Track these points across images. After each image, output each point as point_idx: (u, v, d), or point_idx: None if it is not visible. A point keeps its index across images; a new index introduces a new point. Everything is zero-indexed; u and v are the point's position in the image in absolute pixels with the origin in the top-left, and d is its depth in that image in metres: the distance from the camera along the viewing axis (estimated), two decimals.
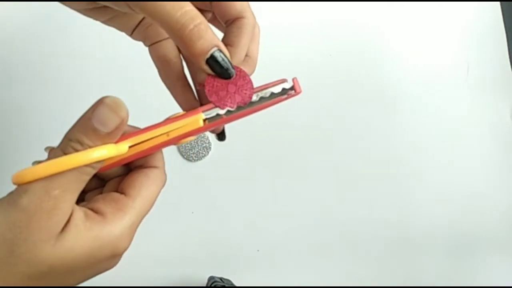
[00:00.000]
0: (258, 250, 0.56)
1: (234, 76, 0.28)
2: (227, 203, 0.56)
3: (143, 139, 0.27)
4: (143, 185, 0.28)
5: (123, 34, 0.33)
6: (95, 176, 0.27)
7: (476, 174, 0.59)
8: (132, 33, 0.33)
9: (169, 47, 0.33)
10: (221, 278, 0.52)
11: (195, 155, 0.56)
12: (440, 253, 0.58)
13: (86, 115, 0.24)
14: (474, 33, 0.61)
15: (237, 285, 0.53)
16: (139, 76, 0.50)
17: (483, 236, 0.58)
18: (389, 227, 0.57)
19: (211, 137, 0.57)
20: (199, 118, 0.28)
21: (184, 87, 0.33)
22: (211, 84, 0.28)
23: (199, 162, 0.56)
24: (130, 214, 0.27)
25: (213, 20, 0.32)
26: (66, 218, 0.24)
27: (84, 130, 0.24)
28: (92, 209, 0.26)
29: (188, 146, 0.56)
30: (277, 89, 0.29)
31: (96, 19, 0.31)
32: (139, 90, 0.52)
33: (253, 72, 0.30)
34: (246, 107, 0.28)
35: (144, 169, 0.29)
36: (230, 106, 0.28)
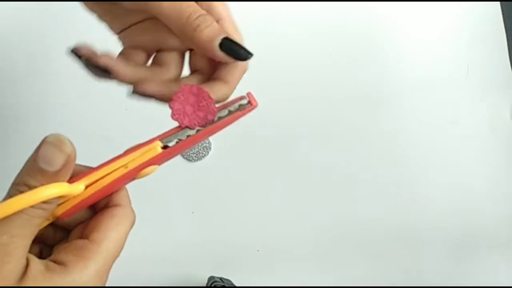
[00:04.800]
0: (258, 250, 0.56)
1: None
2: (227, 203, 0.56)
3: (99, 176, 0.26)
4: (108, 227, 0.26)
5: None
6: (61, 227, 0.26)
7: (476, 174, 0.59)
8: (119, 33, 0.33)
9: (141, 57, 0.32)
10: (221, 278, 0.52)
11: (195, 155, 0.56)
12: (440, 253, 0.58)
13: (31, 157, 0.23)
14: (474, 33, 0.61)
15: (237, 285, 0.53)
16: None
17: (483, 236, 0.58)
18: (389, 227, 0.57)
19: (211, 137, 0.57)
20: (156, 145, 0.27)
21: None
22: (180, 100, 0.28)
23: (199, 162, 0.56)
24: (95, 260, 0.25)
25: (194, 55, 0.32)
26: (21, 267, 0.23)
27: (30, 172, 0.23)
28: (53, 261, 0.25)
29: None
30: (234, 107, 0.29)
31: (92, 12, 0.31)
32: None
33: (227, 97, 0.30)
34: (205, 127, 0.28)
35: (108, 209, 0.27)
36: (195, 123, 0.28)
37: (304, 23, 0.60)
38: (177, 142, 0.28)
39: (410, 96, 0.60)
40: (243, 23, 0.59)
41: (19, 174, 0.23)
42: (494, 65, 0.61)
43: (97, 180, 0.26)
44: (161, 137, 0.27)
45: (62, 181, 0.24)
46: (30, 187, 0.23)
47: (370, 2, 0.61)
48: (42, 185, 0.23)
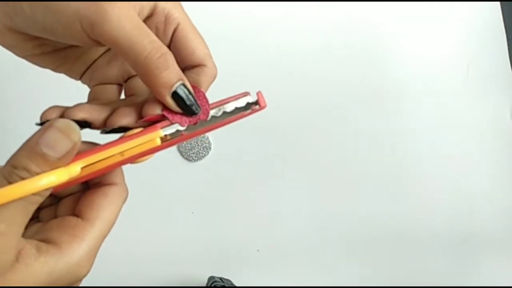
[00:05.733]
0: (258, 250, 0.56)
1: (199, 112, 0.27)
2: (227, 203, 0.56)
3: (96, 160, 0.25)
4: (101, 206, 0.26)
5: None
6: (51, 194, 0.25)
7: (476, 174, 0.59)
8: (81, 77, 0.31)
9: (113, 91, 0.31)
10: (221, 278, 0.52)
11: (195, 155, 0.56)
12: (440, 253, 0.58)
13: (33, 139, 0.22)
14: (474, 33, 0.61)
15: (237, 285, 0.53)
16: None
17: (483, 236, 0.58)
18: (389, 227, 0.57)
19: (211, 137, 0.57)
20: (156, 136, 0.26)
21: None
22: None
23: (199, 162, 0.56)
24: (88, 239, 0.25)
25: None
26: (13, 254, 0.22)
27: (31, 156, 0.22)
28: (45, 240, 0.24)
29: (188, 146, 0.56)
30: (241, 103, 0.27)
31: (44, 67, 0.29)
32: None
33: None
34: (208, 122, 0.27)
35: (102, 188, 0.27)
36: (186, 121, 0.27)
37: (305, 23, 0.60)
38: (177, 133, 0.27)
39: (410, 96, 0.60)
40: (246, 23, 0.60)
41: (16, 155, 0.22)
42: (494, 65, 0.61)
43: (93, 163, 0.25)
44: (161, 126, 0.26)
45: (62, 166, 0.23)
46: (30, 173, 0.22)
47: (370, 2, 0.61)
48: (43, 171, 0.22)
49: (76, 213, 0.26)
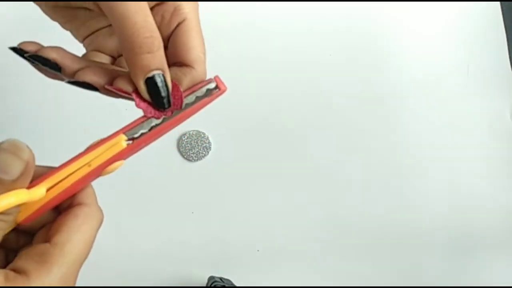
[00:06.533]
0: (258, 250, 0.56)
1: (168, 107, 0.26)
2: (227, 203, 0.56)
3: (61, 177, 0.24)
4: (71, 228, 0.24)
5: None
6: (24, 231, 0.25)
7: (476, 174, 0.59)
8: (83, 40, 0.32)
9: (105, 61, 0.31)
10: (221, 278, 0.52)
11: (195, 155, 0.56)
12: (439, 253, 0.58)
13: None
14: (474, 33, 0.61)
15: (237, 285, 0.53)
16: None
17: (484, 236, 0.58)
18: (389, 227, 0.57)
19: (211, 137, 0.57)
20: (120, 139, 0.25)
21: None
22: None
23: (199, 162, 0.57)
24: (59, 264, 0.23)
25: None
26: None
27: None
28: (14, 269, 0.23)
29: (188, 146, 0.56)
30: (200, 92, 0.27)
31: (54, 19, 0.30)
32: None
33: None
34: (171, 116, 0.27)
35: (71, 209, 0.26)
36: (153, 114, 0.26)
37: (305, 22, 0.60)
38: (141, 135, 0.26)
39: (409, 96, 0.60)
40: (244, 23, 0.60)
41: None
42: (494, 65, 0.61)
43: (59, 182, 0.24)
44: (124, 130, 0.26)
45: (21, 187, 0.22)
46: None
47: (370, 2, 0.61)
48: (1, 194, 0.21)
49: (47, 240, 0.25)
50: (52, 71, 0.27)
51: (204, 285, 0.53)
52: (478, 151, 0.60)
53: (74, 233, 0.24)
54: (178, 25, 0.28)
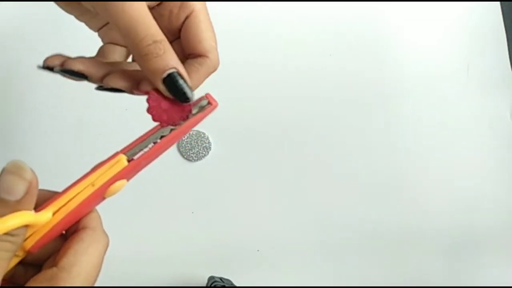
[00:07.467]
0: (258, 250, 0.56)
1: (193, 100, 0.27)
2: (227, 203, 0.56)
3: (67, 199, 0.25)
4: (77, 251, 0.25)
5: None
6: (32, 264, 0.25)
7: (477, 174, 0.59)
8: (98, 30, 0.33)
9: (121, 52, 0.32)
10: (221, 278, 0.52)
11: (195, 155, 0.56)
12: (440, 253, 0.58)
13: None
14: (474, 33, 0.61)
15: (237, 285, 0.53)
16: None
17: (483, 236, 0.58)
18: (389, 227, 0.57)
19: (211, 137, 0.57)
20: (121, 158, 0.26)
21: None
22: (154, 97, 0.27)
23: (199, 162, 0.57)
24: (68, 287, 0.24)
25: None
26: None
27: None
28: None
29: (188, 146, 0.56)
30: (195, 109, 0.29)
31: (69, 12, 0.31)
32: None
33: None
34: (169, 134, 0.28)
35: (76, 233, 0.26)
36: (176, 118, 0.28)
37: (305, 23, 0.60)
38: (142, 153, 0.27)
39: (410, 96, 0.60)
40: (245, 24, 0.60)
41: None
42: (494, 65, 0.61)
43: (64, 204, 0.24)
44: (124, 150, 0.27)
45: (27, 209, 0.22)
46: None
47: (370, 2, 0.61)
48: (4, 215, 0.21)
49: (55, 265, 0.25)
50: (80, 79, 0.29)
51: (204, 285, 0.53)
52: (478, 151, 0.60)
53: (80, 256, 0.25)
54: (187, 17, 0.28)
